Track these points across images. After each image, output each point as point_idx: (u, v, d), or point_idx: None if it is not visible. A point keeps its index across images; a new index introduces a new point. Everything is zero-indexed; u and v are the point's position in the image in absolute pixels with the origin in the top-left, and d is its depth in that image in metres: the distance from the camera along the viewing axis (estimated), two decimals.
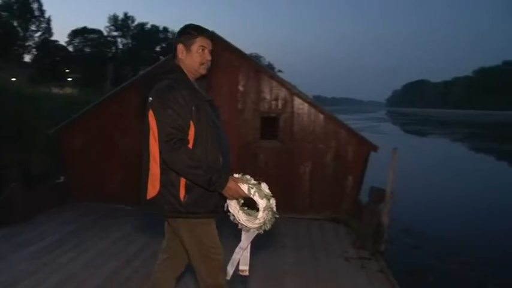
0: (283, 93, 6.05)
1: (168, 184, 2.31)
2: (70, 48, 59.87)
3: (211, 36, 2.46)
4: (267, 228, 2.28)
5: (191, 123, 2.27)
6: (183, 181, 2.30)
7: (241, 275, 2.41)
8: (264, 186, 2.27)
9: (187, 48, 2.40)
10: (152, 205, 2.37)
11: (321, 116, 5.96)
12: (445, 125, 52.93)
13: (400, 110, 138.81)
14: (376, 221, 4.90)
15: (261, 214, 2.23)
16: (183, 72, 2.40)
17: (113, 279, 3.83)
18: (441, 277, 5.46)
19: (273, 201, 2.25)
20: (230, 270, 2.37)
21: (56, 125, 6.47)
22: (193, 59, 2.41)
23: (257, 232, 2.32)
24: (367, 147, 5.84)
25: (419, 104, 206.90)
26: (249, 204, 2.30)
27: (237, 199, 2.30)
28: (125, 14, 68.57)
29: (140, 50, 65.15)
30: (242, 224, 2.31)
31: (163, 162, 2.28)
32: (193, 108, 2.27)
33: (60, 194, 6.25)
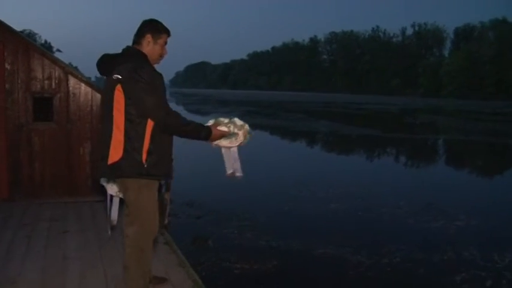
0: (56, 72, 5.69)
1: (131, 149, 2.64)
2: None
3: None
4: (245, 143, 2.95)
5: None
6: (145, 147, 2.65)
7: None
8: (237, 120, 2.94)
9: (155, 41, 2.80)
10: (114, 169, 2.67)
11: (98, 96, 5.80)
12: (225, 104, 56.38)
13: (183, 91, 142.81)
14: (159, 196, 5.05)
15: (241, 138, 2.92)
16: (147, 58, 2.78)
17: None
18: (220, 241, 5.95)
19: (246, 126, 2.94)
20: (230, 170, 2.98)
21: None
22: (155, 51, 2.82)
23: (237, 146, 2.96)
24: None
25: (201, 84, 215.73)
26: None
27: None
28: None
29: None
30: (225, 147, 2.95)
31: (128, 131, 2.63)
32: (161, 86, 2.71)
33: None
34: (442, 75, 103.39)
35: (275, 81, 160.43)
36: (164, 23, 2.89)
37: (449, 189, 10.28)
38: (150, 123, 2.66)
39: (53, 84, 5.69)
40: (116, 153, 2.65)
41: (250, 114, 36.29)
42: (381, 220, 7.32)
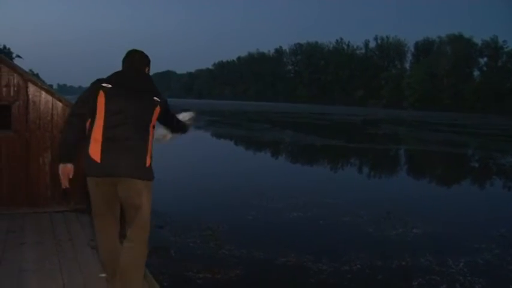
0: (15, 79, 5.56)
1: (151, 155, 3.16)
2: None
3: None
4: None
5: None
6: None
7: None
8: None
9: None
10: (149, 172, 3.13)
11: (59, 104, 5.72)
12: None
13: None
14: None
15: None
16: None
17: None
18: (182, 251, 5.94)
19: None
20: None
21: None
22: None
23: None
24: None
25: (167, 93, 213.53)
26: None
27: None
28: None
29: None
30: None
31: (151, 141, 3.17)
32: None
33: None
34: (403, 87, 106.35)
35: (240, 91, 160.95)
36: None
37: (409, 198, 10.57)
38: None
39: (12, 91, 5.55)
40: (149, 158, 3.10)
41: (215, 123, 36.31)
42: (342, 229, 7.47)
